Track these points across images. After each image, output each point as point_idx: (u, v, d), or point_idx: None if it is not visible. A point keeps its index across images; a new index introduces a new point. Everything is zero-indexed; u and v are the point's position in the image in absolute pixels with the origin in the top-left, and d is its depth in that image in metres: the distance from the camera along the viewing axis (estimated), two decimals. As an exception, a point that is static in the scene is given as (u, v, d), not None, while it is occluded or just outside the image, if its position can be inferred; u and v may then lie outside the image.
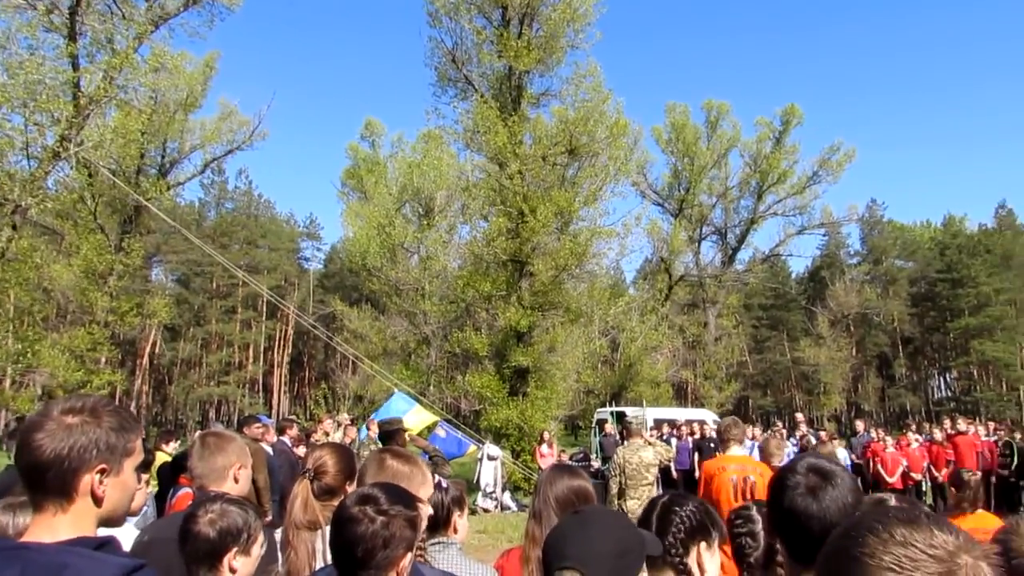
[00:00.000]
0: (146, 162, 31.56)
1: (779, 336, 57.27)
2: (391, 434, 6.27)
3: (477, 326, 21.43)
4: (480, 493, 15.54)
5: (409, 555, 1.78)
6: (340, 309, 41.92)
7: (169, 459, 7.57)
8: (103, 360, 33.25)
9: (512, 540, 12.53)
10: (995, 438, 14.53)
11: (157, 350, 50.29)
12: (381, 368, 38.14)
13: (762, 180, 45.62)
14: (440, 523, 2.74)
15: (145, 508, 3.52)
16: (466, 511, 2.82)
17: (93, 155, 16.66)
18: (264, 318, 54.34)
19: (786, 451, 12.47)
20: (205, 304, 51.69)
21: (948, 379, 58.16)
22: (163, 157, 32.16)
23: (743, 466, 5.86)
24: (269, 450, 8.29)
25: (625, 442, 8.21)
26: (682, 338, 50.42)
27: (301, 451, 8.99)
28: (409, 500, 1.84)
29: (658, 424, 19.43)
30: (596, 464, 17.28)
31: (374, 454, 2.72)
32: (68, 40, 16.42)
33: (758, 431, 16.77)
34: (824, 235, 52.92)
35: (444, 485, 2.86)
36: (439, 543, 2.73)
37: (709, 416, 23.70)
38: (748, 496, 5.24)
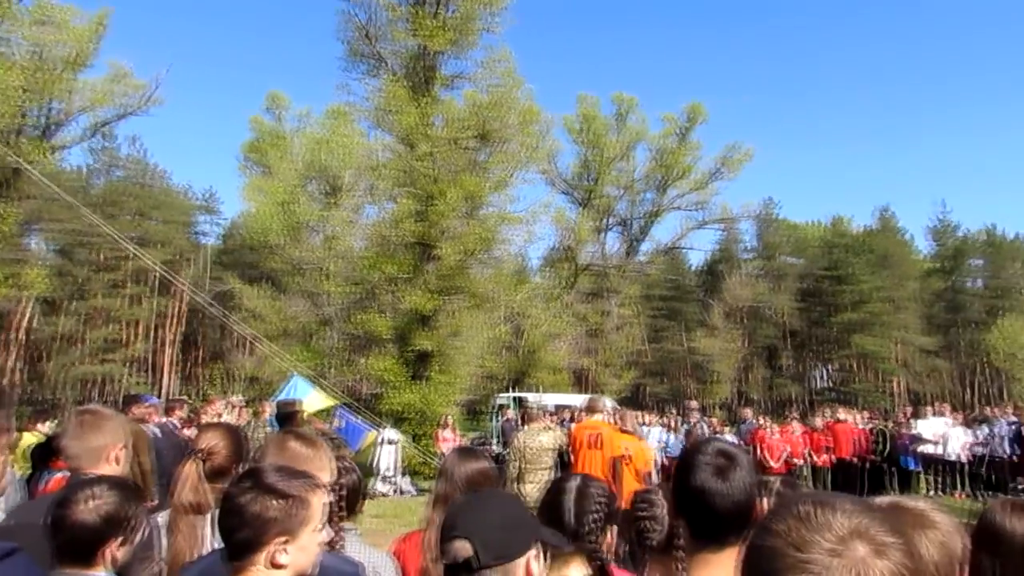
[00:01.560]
0: (27, 122, 29.36)
1: (676, 326, 59.19)
2: (289, 416, 6.08)
3: (381, 309, 21.12)
4: (378, 477, 15.37)
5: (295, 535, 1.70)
6: (237, 287, 40.43)
7: (42, 440, 7.09)
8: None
9: (410, 524, 12.43)
10: (870, 426, 15.47)
11: (33, 324, 47.09)
12: (280, 349, 37.18)
13: (666, 174, 46.92)
14: (351, 507, 2.67)
15: (8, 489, 3.24)
16: (365, 495, 2.75)
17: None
18: (155, 294, 51.78)
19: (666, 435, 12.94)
20: (89, 277, 48.74)
21: (829, 370, 61.57)
22: (46, 118, 30.03)
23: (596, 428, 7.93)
24: (156, 431, 7.91)
25: (525, 427, 8.27)
26: (584, 326, 51.49)
27: (190, 433, 8.63)
28: (300, 479, 1.76)
29: (558, 410, 19.74)
30: (496, 448, 17.39)
31: (276, 435, 2.61)
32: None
33: (654, 417, 17.20)
34: (721, 230, 54.93)
35: (348, 466, 2.77)
36: (348, 529, 2.65)
37: (609, 403, 24.27)
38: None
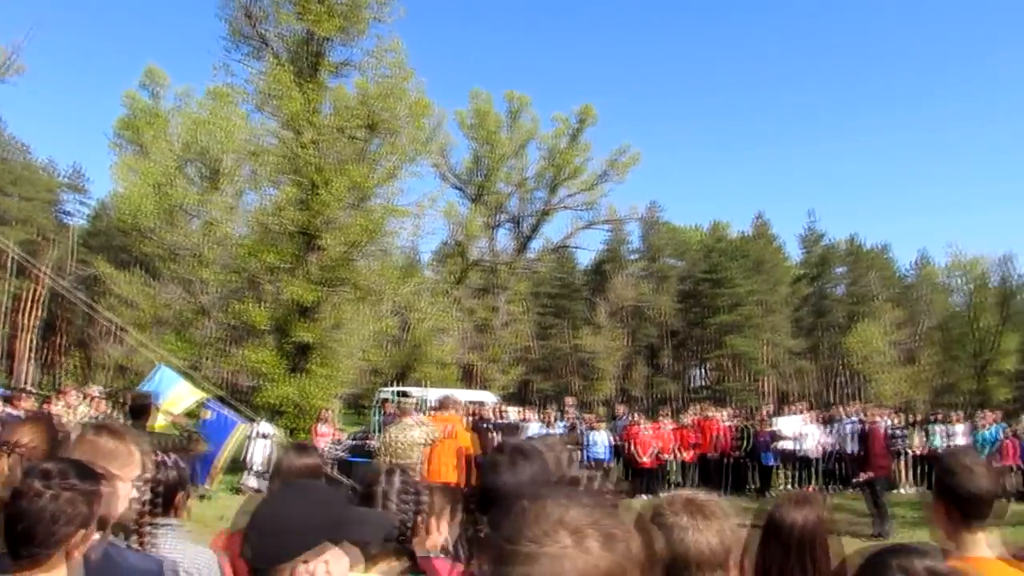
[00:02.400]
0: None
1: (562, 324, 60.34)
2: (142, 408, 5.79)
3: (262, 298, 20.40)
4: (250, 472, 14.89)
5: (83, 532, 1.62)
6: (105, 271, 38.05)
7: None
8: None
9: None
10: (734, 424, 16.30)
11: None
12: (148, 339, 35.26)
13: (556, 174, 47.63)
14: (164, 504, 2.56)
15: None
16: (188, 491, 2.65)
17: None
18: (11, 275, 48.08)
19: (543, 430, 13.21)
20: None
21: (705, 370, 64.36)
22: None
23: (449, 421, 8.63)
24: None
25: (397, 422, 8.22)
26: (472, 322, 51.64)
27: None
28: (89, 475, 1.68)
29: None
30: (375, 443, 17.17)
31: (83, 429, 2.48)
32: None
33: (532, 413, 17.44)
34: (609, 231, 56.43)
35: (168, 463, 2.66)
36: (164, 526, 2.54)
37: (490, 398, 24.44)
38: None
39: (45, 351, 56.95)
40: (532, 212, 50.13)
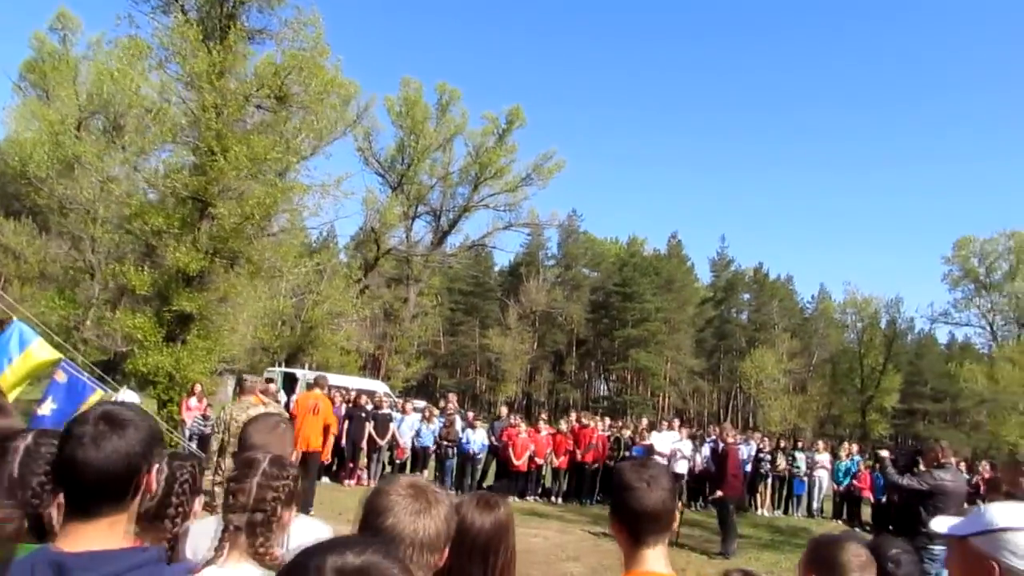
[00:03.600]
0: None
1: (473, 322, 60.38)
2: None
3: (158, 263, 19.50)
4: (105, 442, 14.19)
5: None
6: (-11, 218, 35.88)
7: None
8: None
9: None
10: (609, 433, 16.56)
11: None
12: (34, 293, 33.38)
13: (480, 172, 47.48)
14: None
15: None
16: None
17: None
18: None
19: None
20: None
21: (608, 380, 65.54)
22: None
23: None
24: None
25: (237, 400, 7.94)
26: (378, 310, 51.03)
27: None
28: None
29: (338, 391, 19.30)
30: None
31: None
32: None
33: (410, 406, 17.21)
34: (528, 234, 56.72)
35: None
36: None
37: (382, 388, 24.15)
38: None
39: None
40: (453, 207, 49.80)
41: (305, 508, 12.70)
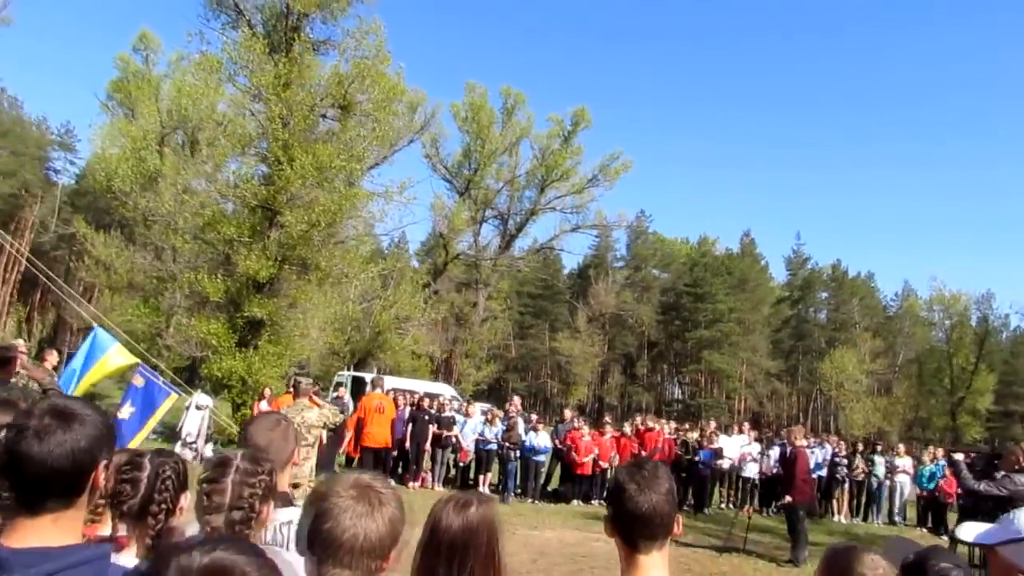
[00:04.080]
0: None
1: (542, 325, 60.25)
2: (3, 361, 5.62)
3: (230, 270, 20.17)
4: (180, 442, 14.72)
5: None
6: (84, 232, 37.78)
7: None
8: None
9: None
10: (675, 436, 16.21)
11: None
12: (123, 302, 35.01)
13: (546, 174, 47.38)
14: None
15: None
16: None
17: None
18: (-9, 229, 47.69)
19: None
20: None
21: (681, 383, 64.39)
22: None
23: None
24: None
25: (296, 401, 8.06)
26: (448, 314, 51.46)
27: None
28: None
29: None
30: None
31: None
32: None
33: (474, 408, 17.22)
34: (596, 236, 56.31)
35: None
36: None
37: (449, 391, 24.30)
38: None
39: (28, 308, 56.63)
40: (520, 210, 49.82)
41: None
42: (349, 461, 14.57)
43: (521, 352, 59.99)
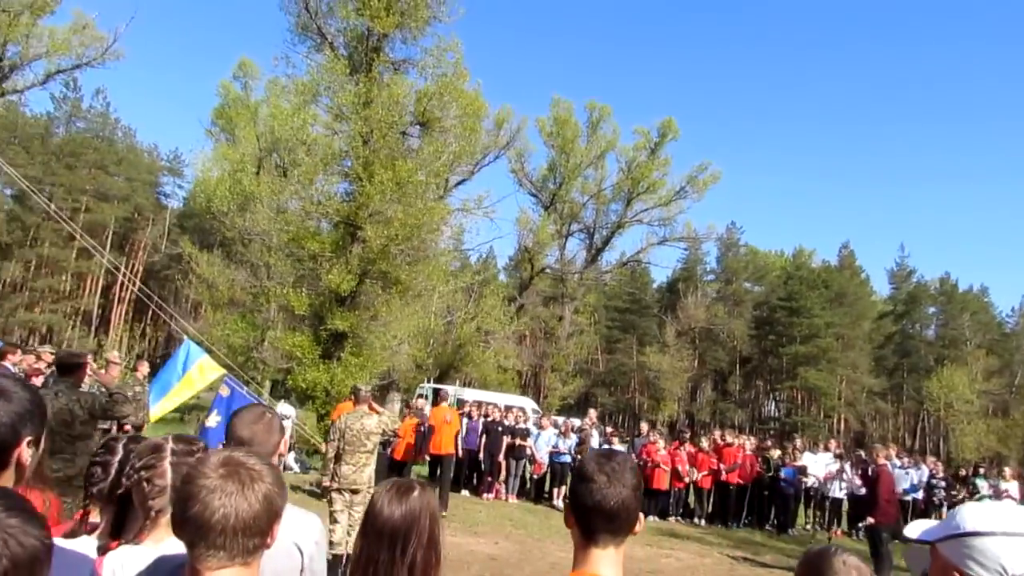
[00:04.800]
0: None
1: (630, 339, 59.41)
2: (71, 366, 5.94)
3: (314, 284, 20.85)
4: (264, 451, 15.23)
5: None
6: (190, 251, 39.94)
7: None
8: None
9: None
10: (756, 452, 15.60)
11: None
12: (225, 318, 36.75)
13: (633, 187, 46.91)
14: None
15: None
16: None
17: None
18: (108, 249, 51.10)
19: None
20: (40, 224, 47.93)
21: (776, 400, 62.10)
22: (0, 59, 29.40)
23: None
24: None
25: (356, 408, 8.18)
26: (540, 329, 51.45)
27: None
28: None
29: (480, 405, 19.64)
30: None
31: None
32: None
33: (548, 421, 17.09)
34: (685, 249, 55.22)
35: None
36: None
37: (530, 404, 24.29)
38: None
39: (141, 323, 60.28)
40: (606, 224, 49.47)
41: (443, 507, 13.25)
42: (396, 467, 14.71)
43: (609, 367, 59.33)
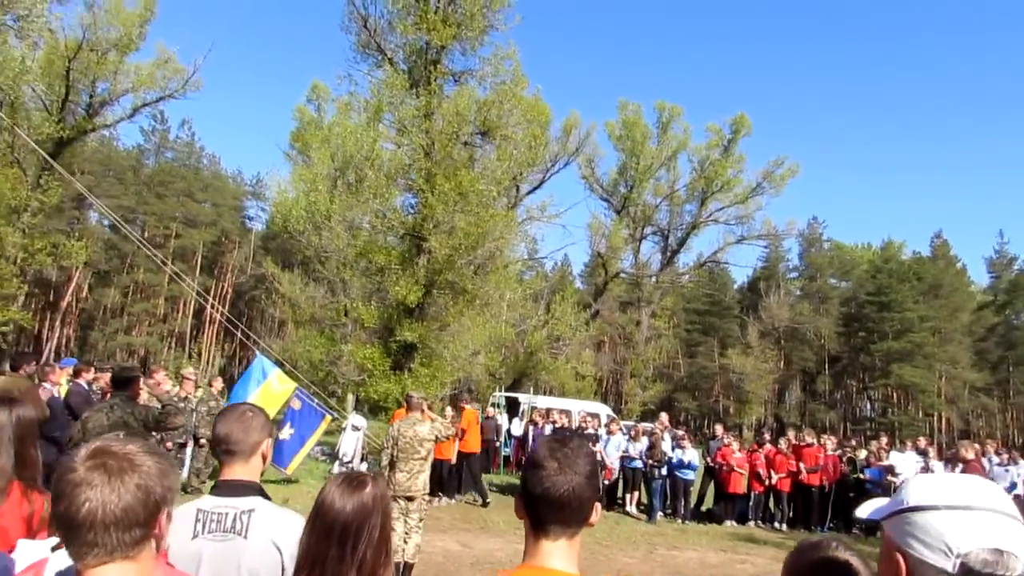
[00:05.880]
0: (73, 100, 30.56)
1: (711, 342, 58.04)
2: (126, 380, 6.16)
3: (383, 297, 21.17)
4: (338, 462, 15.51)
5: None
6: (272, 272, 41.33)
7: None
8: (18, 299, 32.43)
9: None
10: (839, 452, 14.91)
11: (82, 294, 49.14)
12: (307, 335, 37.83)
13: (707, 186, 45.97)
14: None
15: None
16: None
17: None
18: (198, 273, 53.49)
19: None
20: (135, 252, 50.58)
21: (871, 399, 59.48)
22: (91, 96, 31.23)
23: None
24: (54, 391, 8.22)
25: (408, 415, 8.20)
26: (619, 335, 50.84)
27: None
28: None
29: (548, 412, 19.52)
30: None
31: None
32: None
33: (616, 426, 16.78)
34: (765, 247, 53.65)
35: None
36: None
37: (604, 410, 23.96)
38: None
39: (232, 343, 62.78)
40: (680, 225, 48.64)
41: (484, 502, 13.41)
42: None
43: (690, 370, 58.05)
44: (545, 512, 1.68)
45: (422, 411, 8.03)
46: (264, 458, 2.64)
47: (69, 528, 1.30)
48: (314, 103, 43.27)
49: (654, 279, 47.71)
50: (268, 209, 64.38)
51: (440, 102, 18.97)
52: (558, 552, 1.68)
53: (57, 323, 47.50)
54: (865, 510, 1.40)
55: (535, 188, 40.57)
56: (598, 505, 1.74)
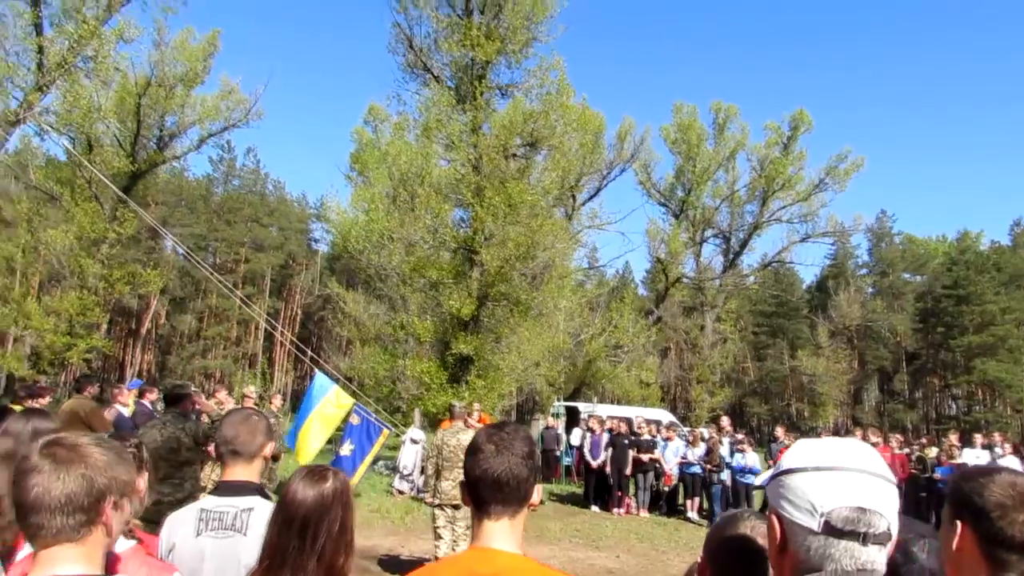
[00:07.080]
0: (144, 134, 32.13)
1: (779, 344, 56.62)
2: (177, 397, 6.49)
3: (437, 311, 21.48)
4: (398, 475, 15.81)
5: None
6: (337, 291, 42.33)
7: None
8: (101, 327, 34.12)
9: (407, 522, 12.77)
10: (907, 451, 14.41)
11: (160, 320, 51.32)
12: (372, 352, 38.62)
13: (768, 185, 45.01)
14: None
15: None
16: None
17: (45, 121, 17.12)
18: (267, 295, 55.18)
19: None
20: (207, 278, 52.61)
21: (953, 397, 57.00)
22: (161, 130, 32.78)
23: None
24: (123, 411, 8.70)
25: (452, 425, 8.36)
26: (685, 341, 50.08)
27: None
28: None
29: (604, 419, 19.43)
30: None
31: None
32: (32, 6, 16.88)
33: (673, 432, 16.62)
34: (832, 244, 52.14)
35: None
36: None
37: (666, 416, 23.69)
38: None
39: (301, 363, 64.43)
40: (742, 226, 47.69)
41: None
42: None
43: (760, 374, 56.77)
44: (485, 493, 1.77)
45: (464, 420, 8.20)
46: (265, 460, 2.81)
47: (20, 511, 1.43)
48: (371, 124, 44.22)
49: (717, 282, 46.89)
50: (332, 231, 66.22)
51: (487, 116, 19.24)
52: (500, 532, 1.77)
53: (138, 349, 49.73)
54: (759, 479, 1.46)
55: (592, 196, 40.50)
56: (539, 486, 1.82)
